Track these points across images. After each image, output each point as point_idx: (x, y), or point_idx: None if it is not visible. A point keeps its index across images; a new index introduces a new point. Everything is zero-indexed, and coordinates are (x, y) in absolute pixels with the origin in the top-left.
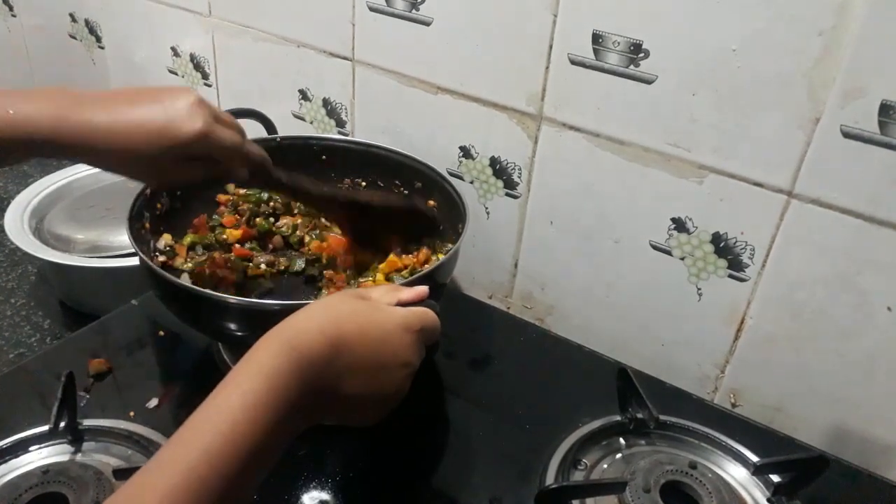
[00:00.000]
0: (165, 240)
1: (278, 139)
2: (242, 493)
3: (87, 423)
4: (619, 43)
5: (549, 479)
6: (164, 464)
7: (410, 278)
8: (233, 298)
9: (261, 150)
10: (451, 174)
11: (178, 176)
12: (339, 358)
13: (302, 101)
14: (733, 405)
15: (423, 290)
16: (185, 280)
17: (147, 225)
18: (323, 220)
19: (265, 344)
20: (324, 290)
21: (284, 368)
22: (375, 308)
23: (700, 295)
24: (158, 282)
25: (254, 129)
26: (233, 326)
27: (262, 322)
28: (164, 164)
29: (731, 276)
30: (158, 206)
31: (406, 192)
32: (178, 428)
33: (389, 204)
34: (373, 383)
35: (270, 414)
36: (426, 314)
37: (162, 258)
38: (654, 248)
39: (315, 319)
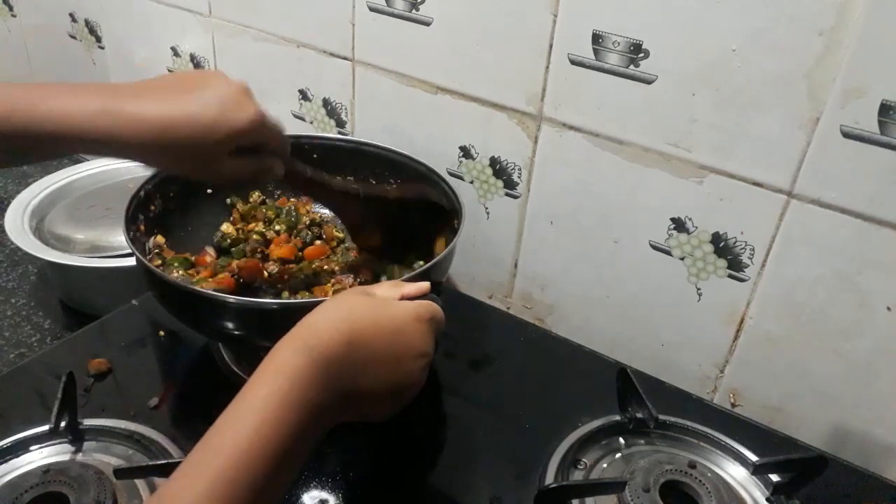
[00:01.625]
0: (158, 241)
1: None
2: (271, 497)
3: (88, 422)
4: (619, 43)
5: (549, 479)
6: (192, 470)
7: (407, 276)
8: (231, 298)
9: (288, 142)
10: (451, 174)
11: (225, 170)
12: (357, 353)
13: (302, 101)
14: (733, 405)
15: (425, 285)
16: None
17: (141, 227)
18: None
19: (283, 346)
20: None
21: (304, 368)
22: (385, 302)
23: (700, 295)
24: (156, 282)
25: None
26: (231, 326)
27: (260, 322)
28: (212, 157)
29: (730, 276)
30: (152, 207)
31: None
32: (206, 432)
33: (402, 196)
34: (391, 376)
35: (294, 414)
36: (432, 305)
37: (158, 261)
38: (654, 248)
39: (329, 318)
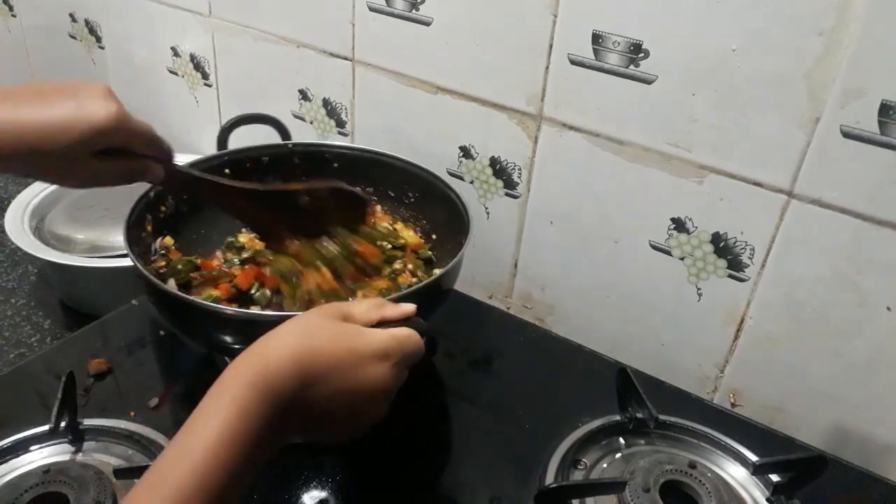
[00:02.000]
0: (165, 242)
1: (290, 145)
2: None
3: (88, 422)
4: (619, 43)
5: (549, 479)
6: (140, 502)
7: (418, 285)
8: (228, 309)
9: (167, 143)
10: (451, 174)
11: (93, 175)
12: (312, 388)
13: (302, 101)
14: (733, 405)
15: (409, 308)
16: (171, 286)
17: (149, 227)
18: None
19: (234, 373)
20: None
21: (254, 400)
22: (354, 334)
23: (700, 295)
24: (151, 289)
25: (269, 135)
26: (227, 338)
27: (255, 334)
28: (77, 161)
29: (730, 275)
30: (163, 208)
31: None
32: (152, 464)
33: (313, 189)
34: (347, 410)
35: (242, 446)
36: (408, 339)
37: (163, 262)
38: (654, 248)
39: (289, 346)
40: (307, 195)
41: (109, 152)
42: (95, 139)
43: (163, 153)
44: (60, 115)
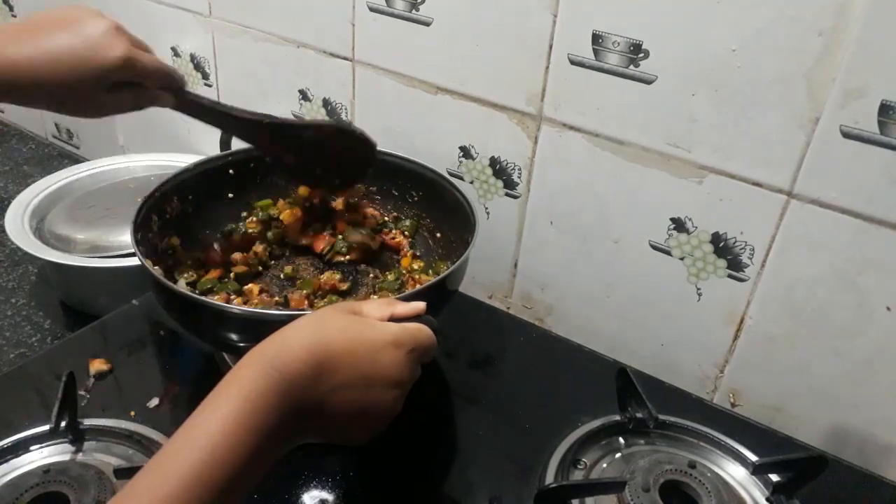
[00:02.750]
0: (172, 242)
1: None
2: None
3: (88, 422)
4: (619, 43)
5: (549, 479)
6: (142, 493)
7: (422, 286)
8: (236, 308)
9: (173, 69)
10: (451, 174)
11: (105, 105)
12: (325, 379)
13: (302, 102)
14: (733, 405)
15: (419, 305)
16: (181, 286)
17: (155, 228)
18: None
19: (249, 362)
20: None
21: (266, 390)
22: (366, 324)
23: (699, 295)
24: (159, 288)
25: None
26: (234, 336)
27: (263, 332)
28: (89, 94)
29: (730, 275)
30: (168, 209)
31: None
32: (156, 453)
33: (320, 125)
34: (360, 404)
35: (251, 438)
36: (420, 332)
37: (170, 262)
38: (654, 248)
39: (302, 338)
40: (313, 130)
41: (123, 85)
42: (106, 77)
43: (174, 82)
44: (71, 54)
